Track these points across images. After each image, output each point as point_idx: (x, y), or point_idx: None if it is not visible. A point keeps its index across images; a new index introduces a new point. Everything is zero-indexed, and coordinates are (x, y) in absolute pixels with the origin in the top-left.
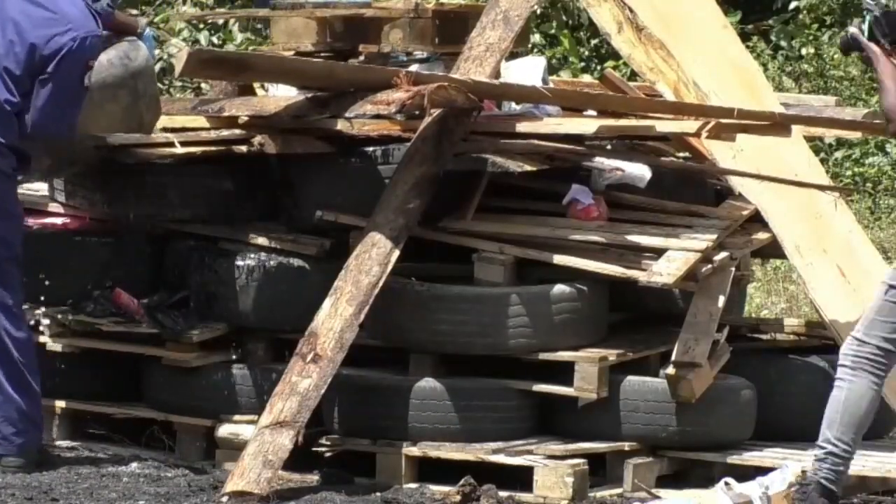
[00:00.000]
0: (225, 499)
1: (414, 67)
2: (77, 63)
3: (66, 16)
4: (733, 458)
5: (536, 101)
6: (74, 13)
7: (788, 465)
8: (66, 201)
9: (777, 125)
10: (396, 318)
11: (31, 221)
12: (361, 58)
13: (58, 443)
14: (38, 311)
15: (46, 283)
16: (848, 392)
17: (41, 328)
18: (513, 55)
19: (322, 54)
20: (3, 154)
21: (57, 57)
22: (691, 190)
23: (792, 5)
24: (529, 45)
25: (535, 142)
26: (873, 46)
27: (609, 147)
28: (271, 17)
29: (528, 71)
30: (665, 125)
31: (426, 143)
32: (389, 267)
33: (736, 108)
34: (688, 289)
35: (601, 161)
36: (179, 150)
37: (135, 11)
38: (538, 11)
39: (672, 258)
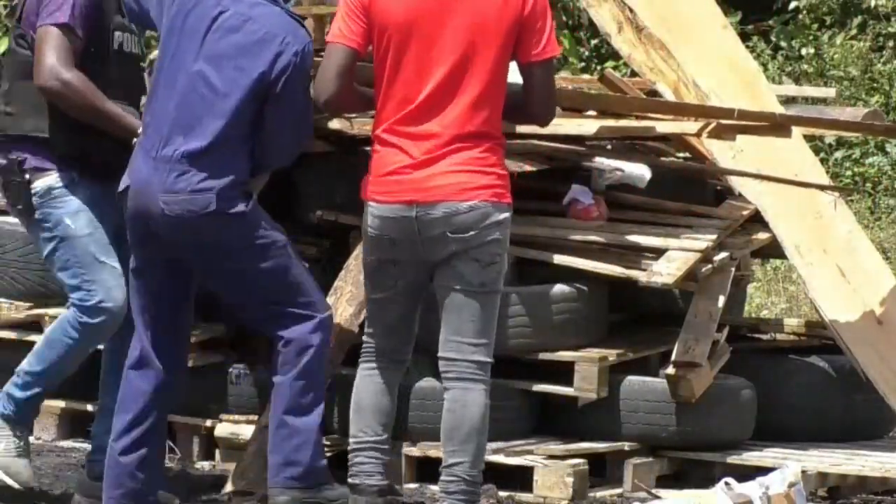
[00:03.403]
0: (225, 499)
1: None
2: (304, 77)
3: (277, 31)
4: (733, 458)
5: None
6: (284, 25)
7: (788, 465)
8: None
9: (777, 126)
10: None
11: None
12: None
13: (58, 443)
14: (38, 311)
15: (47, 282)
16: (355, 387)
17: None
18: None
19: (320, 53)
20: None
21: (283, 77)
22: (691, 190)
23: (792, 5)
24: None
25: (535, 142)
26: None
27: (609, 147)
28: None
29: None
30: (665, 125)
31: None
32: None
33: (736, 108)
34: (688, 289)
35: (601, 161)
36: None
37: None
38: None
39: (672, 258)
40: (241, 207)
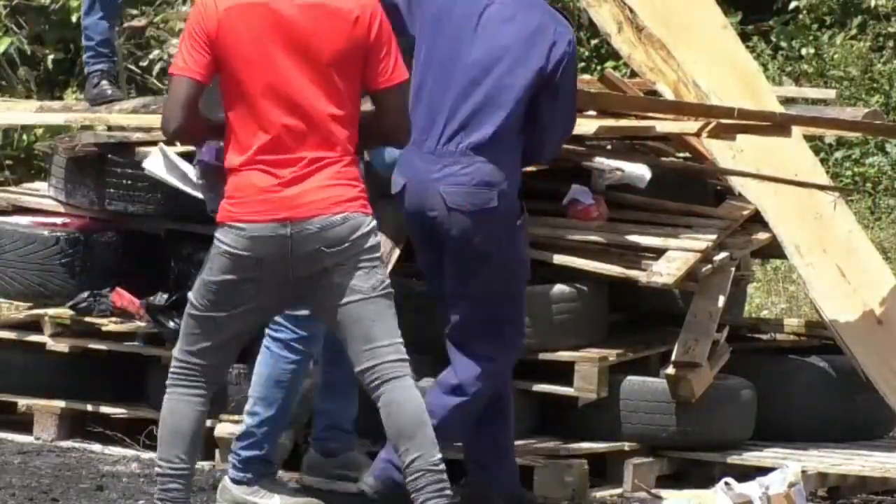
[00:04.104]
0: None
1: None
2: (575, 68)
3: (548, 21)
4: (733, 458)
5: None
6: (551, 16)
7: (788, 465)
8: (66, 201)
9: (777, 125)
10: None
11: (32, 221)
12: None
13: (58, 443)
14: (38, 311)
15: (47, 282)
16: (164, 410)
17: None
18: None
19: None
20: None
21: (560, 67)
22: (691, 190)
23: (792, 5)
24: None
25: None
26: None
27: (609, 147)
28: None
29: None
30: (665, 125)
31: None
32: (389, 267)
33: (736, 108)
34: (688, 289)
35: (601, 161)
36: (179, 148)
37: (134, 11)
38: None
39: (672, 258)
40: (515, 213)
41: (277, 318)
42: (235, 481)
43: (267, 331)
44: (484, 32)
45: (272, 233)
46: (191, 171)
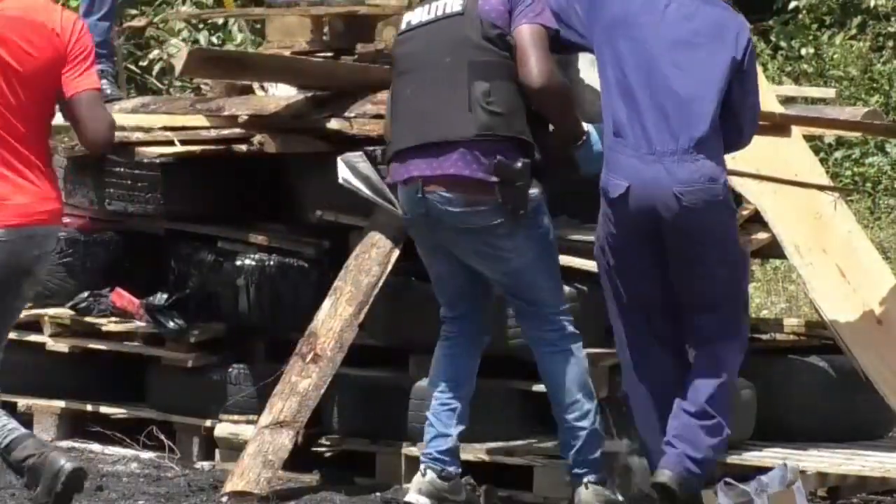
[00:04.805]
0: (225, 499)
1: None
2: (755, 54)
3: (726, 13)
4: (733, 458)
5: None
6: (726, 7)
7: (788, 465)
8: (66, 201)
9: (777, 125)
10: (396, 317)
11: None
12: (356, 56)
13: (58, 443)
14: (38, 311)
15: (47, 282)
16: None
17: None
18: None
19: (317, 53)
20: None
21: (746, 55)
22: None
23: (792, 5)
24: None
25: None
26: None
27: None
28: (266, 16)
29: None
30: None
31: None
32: (389, 267)
33: None
34: None
35: None
36: (179, 148)
37: (134, 11)
38: None
39: None
40: (733, 204)
41: (559, 317)
42: (601, 482)
43: (552, 334)
44: (671, 31)
45: (28, 234)
46: (377, 177)
